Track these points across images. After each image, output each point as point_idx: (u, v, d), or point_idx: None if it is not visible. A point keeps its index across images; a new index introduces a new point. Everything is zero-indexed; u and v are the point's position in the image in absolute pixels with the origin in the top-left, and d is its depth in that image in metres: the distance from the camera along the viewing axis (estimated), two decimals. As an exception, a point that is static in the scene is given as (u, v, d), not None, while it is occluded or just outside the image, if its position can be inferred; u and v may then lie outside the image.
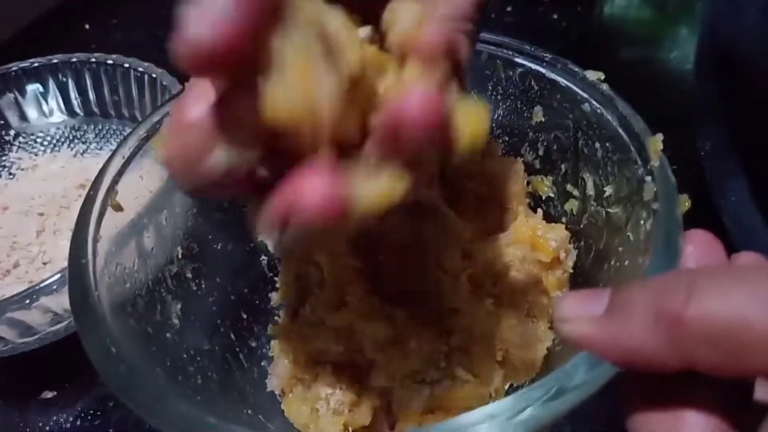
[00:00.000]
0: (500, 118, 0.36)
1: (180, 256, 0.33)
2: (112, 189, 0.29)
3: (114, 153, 0.30)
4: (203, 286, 0.34)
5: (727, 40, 0.34)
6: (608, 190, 0.30)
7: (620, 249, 0.29)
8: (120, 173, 0.29)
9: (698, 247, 0.23)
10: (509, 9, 0.61)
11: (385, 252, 0.33)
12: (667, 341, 0.16)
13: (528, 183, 0.35)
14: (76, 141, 0.49)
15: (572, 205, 0.33)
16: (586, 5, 0.62)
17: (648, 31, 0.61)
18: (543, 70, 0.32)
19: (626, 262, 0.28)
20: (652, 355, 0.16)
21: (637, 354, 0.17)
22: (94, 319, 0.23)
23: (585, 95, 0.31)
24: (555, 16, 0.61)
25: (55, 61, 0.47)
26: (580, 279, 0.32)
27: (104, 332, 0.23)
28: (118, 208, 0.29)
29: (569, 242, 0.33)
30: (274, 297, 0.37)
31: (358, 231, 0.18)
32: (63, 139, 0.50)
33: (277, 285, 0.37)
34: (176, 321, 0.31)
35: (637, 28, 0.61)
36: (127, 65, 0.45)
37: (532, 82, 0.33)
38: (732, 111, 0.37)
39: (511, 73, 0.34)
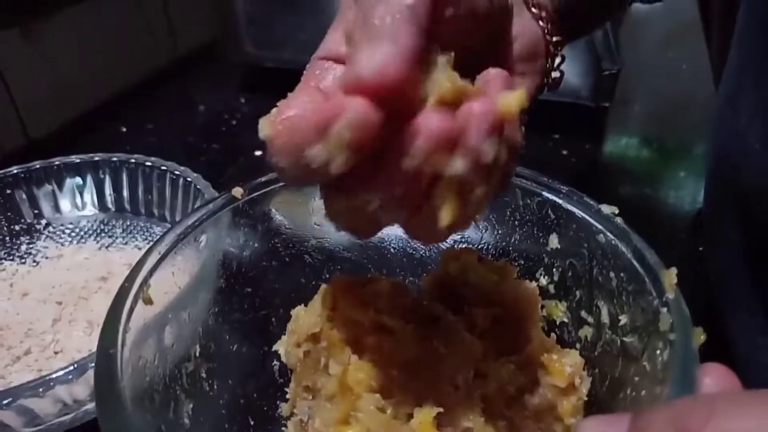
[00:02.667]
0: (516, 243, 0.37)
1: (197, 355, 0.33)
2: (145, 283, 0.30)
3: (151, 248, 0.31)
4: (215, 386, 0.34)
5: (732, 169, 0.36)
6: (623, 319, 0.31)
7: (636, 378, 0.29)
8: (154, 268, 0.31)
9: (715, 380, 0.23)
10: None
11: (396, 366, 0.33)
12: None
13: (542, 307, 0.36)
14: (103, 234, 0.51)
15: (586, 332, 0.34)
16: (594, 143, 0.66)
17: (647, 170, 0.64)
18: (560, 201, 0.35)
19: (642, 392, 0.28)
20: None
21: None
22: (118, 409, 0.23)
23: (600, 227, 0.32)
24: (564, 152, 0.65)
25: (96, 159, 0.50)
26: (595, 408, 0.32)
27: (126, 423, 0.23)
28: (149, 301, 0.29)
29: (583, 369, 0.33)
30: (283, 407, 0.37)
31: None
32: (91, 232, 0.51)
33: (288, 396, 0.36)
34: (187, 421, 0.31)
35: (636, 167, 0.65)
36: (164, 168, 0.48)
37: (549, 211, 0.35)
38: (740, 241, 0.38)
39: (529, 201, 0.36)
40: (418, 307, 0.35)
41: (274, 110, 0.22)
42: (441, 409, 0.31)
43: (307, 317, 0.34)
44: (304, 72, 0.26)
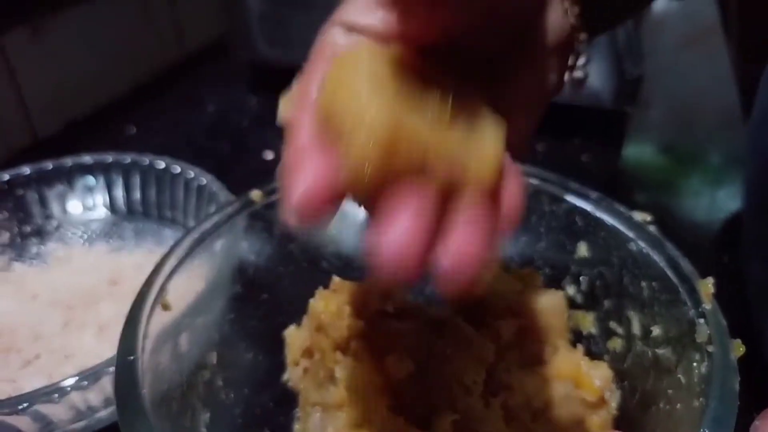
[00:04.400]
0: (543, 250, 0.36)
1: (214, 363, 0.33)
2: (164, 288, 0.29)
3: (169, 252, 0.30)
4: (232, 396, 0.34)
5: None
6: (655, 330, 0.30)
7: (670, 391, 0.28)
8: (172, 273, 0.30)
9: None
10: (540, 149, 0.64)
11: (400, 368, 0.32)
12: None
13: (569, 317, 0.35)
14: (114, 237, 0.50)
15: (616, 344, 0.33)
16: (614, 149, 0.65)
17: (662, 178, 0.63)
18: (589, 208, 0.34)
19: (678, 405, 0.27)
20: None
21: None
22: (139, 415, 0.23)
23: (631, 235, 0.32)
24: (583, 158, 0.64)
25: (109, 160, 0.49)
26: (623, 422, 0.31)
27: (146, 430, 0.22)
28: (167, 307, 0.29)
29: (612, 382, 0.32)
30: (296, 428, 0.35)
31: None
32: (101, 234, 0.50)
33: (298, 415, 0.35)
34: (204, 430, 0.30)
35: (652, 175, 0.64)
36: (178, 170, 0.47)
37: (577, 218, 0.34)
38: None
39: (555, 208, 0.35)
40: (422, 311, 0.35)
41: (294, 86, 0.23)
42: (457, 416, 0.30)
43: (298, 334, 0.34)
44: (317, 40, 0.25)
